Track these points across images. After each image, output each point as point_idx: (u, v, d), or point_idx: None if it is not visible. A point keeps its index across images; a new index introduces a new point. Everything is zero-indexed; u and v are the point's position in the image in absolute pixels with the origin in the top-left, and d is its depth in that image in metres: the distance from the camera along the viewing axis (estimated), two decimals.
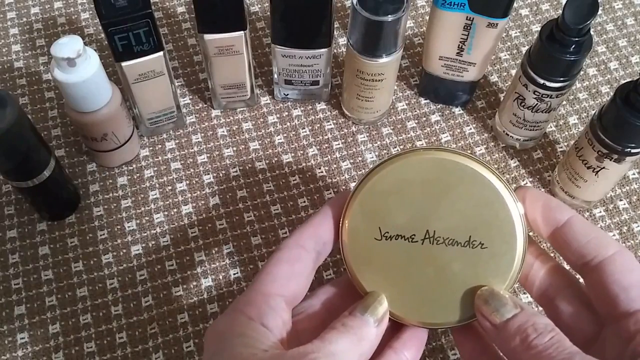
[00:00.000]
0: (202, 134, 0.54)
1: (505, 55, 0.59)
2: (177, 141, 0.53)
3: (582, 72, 0.57)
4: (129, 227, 0.49)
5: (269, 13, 0.49)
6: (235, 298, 0.40)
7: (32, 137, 0.42)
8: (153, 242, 0.49)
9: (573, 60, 0.44)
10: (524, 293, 0.46)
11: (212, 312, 0.46)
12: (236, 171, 0.52)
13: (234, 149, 0.53)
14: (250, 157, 0.53)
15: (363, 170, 0.52)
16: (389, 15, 0.44)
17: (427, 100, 0.56)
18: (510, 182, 0.52)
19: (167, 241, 0.49)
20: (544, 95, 0.47)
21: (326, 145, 0.54)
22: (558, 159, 0.53)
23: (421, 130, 0.54)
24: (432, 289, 0.32)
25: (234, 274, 0.48)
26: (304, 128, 0.54)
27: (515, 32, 0.61)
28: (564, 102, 0.56)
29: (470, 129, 0.55)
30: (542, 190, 0.52)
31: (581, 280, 0.33)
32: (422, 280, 0.32)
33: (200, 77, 0.57)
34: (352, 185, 0.52)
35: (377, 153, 0.53)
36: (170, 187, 0.51)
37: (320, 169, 0.52)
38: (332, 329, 0.29)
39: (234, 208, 0.50)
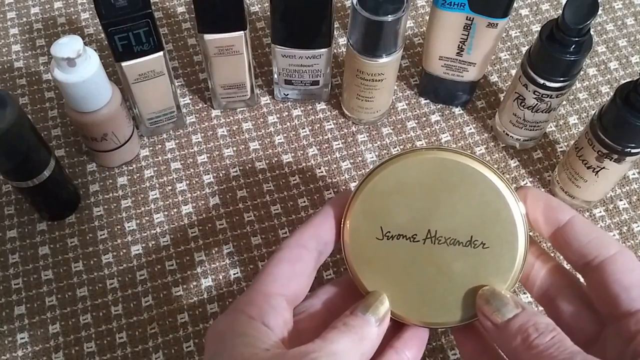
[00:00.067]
0: (202, 134, 0.54)
1: (505, 55, 0.59)
2: (177, 141, 0.53)
3: (582, 72, 0.57)
4: (129, 227, 0.49)
5: (269, 13, 0.49)
6: (236, 298, 0.40)
7: (32, 137, 0.42)
8: (153, 242, 0.49)
9: (573, 60, 0.44)
10: (524, 293, 0.46)
11: (212, 312, 0.46)
12: (236, 171, 0.52)
13: (234, 149, 0.53)
14: (250, 157, 0.53)
15: (363, 170, 0.53)
16: (389, 15, 0.44)
17: (427, 100, 0.56)
18: (510, 182, 0.52)
19: (167, 241, 0.49)
20: (544, 95, 0.47)
21: (326, 145, 0.54)
22: (558, 159, 0.53)
23: (421, 130, 0.55)
24: (434, 288, 0.32)
25: (234, 274, 0.47)
26: (304, 128, 0.54)
27: (515, 32, 0.61)
28: (564, 102, 0.56)
29: (470, 129, 0.55)
30: (542, 190, 0.52)
31: (582, 280, 0.33)
32: (423, 280, 0.32)
33: (200, 77, 0.57)
34: (352, 185, 0.52)
35: (377, 153, 0.53)
36: (170, 187, 0.51)
37: (320, 169, 0.52)
38: (334, 329, 0.29)
39: (234, 208, 0.50)
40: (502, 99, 0.55)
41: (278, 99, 0.56)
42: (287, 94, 0.55)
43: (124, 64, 0.45)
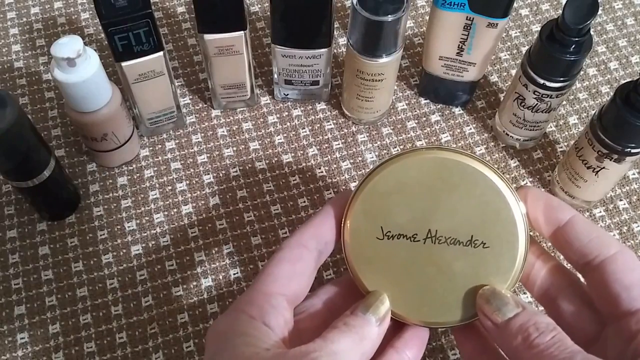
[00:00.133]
0: (202, 134, 0.54)
1: (505, 55, 0.59)
2: (177, 141, 0.53)
3: (582, 72, 0.57)
4: (129, 227, 0.49)
5: (269, 13, 0.49)
6: (236, 298, 0.40)
7: (32, 137, 0.42)
8: (153, 242, 0.49)
9: (573, 60, 0.44)
10: (525, 293, 0.46)
11: (212, 312, 0.46)
12: (236, 171, 0.52)
13: (234, 149, 0.53)
14: (250, 157, 0.53)
15: (363, 170, 0.53)
16: (389, 15, 0.44)
17: (427, 100, 0.56)
18: (510, 182, 0.52)
19: (167, 241, 0.49)
20: (544, 95, 0.47)
21: (326, 145, 0.54)
22: (558, 159, 0.53)
23: (421, 130, 0.55)
24: (434, 288, 0.32)
25: (234, 274, 0.47)
26: (304, 128, 0.54)
27: (515, 32, 0.61)
28: (564, 102, 0.56)
29: (470, 129, 0.55)
30: (543, 190, 0.52)
31: (582, 279, 0.33)
32: (423, 280, 0.32)
33: (200, 77, 0.57)
34: (352, 185, 0.52)
35: (377, 153, 0.53)
36: (170, 187, 0.51)
37: (320, 169, 0.52)
38: (334, 328, 0.29)
39: (234, 208, 0.50)
40: (502, 99, 0.55)
41: (278, 99, 0.56)
42: (287, 94, 0.55)
43: (124, 64, 0.45)
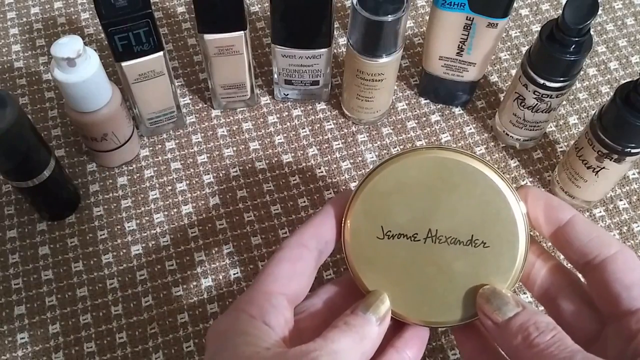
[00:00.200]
0: (202, 134, 0.54)
1: (505, 55, 0.59)
2: (177, 141, 0.53)
3: (582, 72, 0.57)
4: (129, 227, 0.49)
5: (269, 13, 0.49)
6: (236, 298, 0.40)
7: (32, 137, 0.42)
8: (153, 242, 0.49)
9: (573, 60, 0.44)
10: (525, 292, 0.46)
11: (212, 312, 0.46)
12: (236, 171, 0.52)
13: (234, 149, 0.53)
14: (250, 157, 0.53)
15: (363, 170, 0.53)
16: (389, 15, 0.44)
17: (427, 100, 0.56)
18: (510, 182, 0.52)
19: (167, 241, 0.49)
20: (544, 95, 0.47)
21: (326, 145, 0.54)
22: (558, 159, 0.53)
23: (421, 130, 0.55)
24: (434, 288, 0.32)
25: (234, 274, 0.47)
26: (304, 128, 0.54)
27: (515, 32, 0.61)
28: (564, 102, 0.56)
29: (470, 129, 0.55)
30: (543, 190, 0.52)
31: (582, 279, 0.33)
32: (424, 279, 0.32)
33: (200, 77, 0.57)
34: (352, 185, 0.52)
35: (377, 153, 0.53)
36: (170, 187, 0.51)
37: (320, 169, 0.52)
38: (334, 328, 0.29)
39: (234, 208, 0.50)
40: (502, 99, 0.55)
41: (278, 99, 0.56)
42: (287, 94, 0.55)
43: (124, 64, 0.45)
